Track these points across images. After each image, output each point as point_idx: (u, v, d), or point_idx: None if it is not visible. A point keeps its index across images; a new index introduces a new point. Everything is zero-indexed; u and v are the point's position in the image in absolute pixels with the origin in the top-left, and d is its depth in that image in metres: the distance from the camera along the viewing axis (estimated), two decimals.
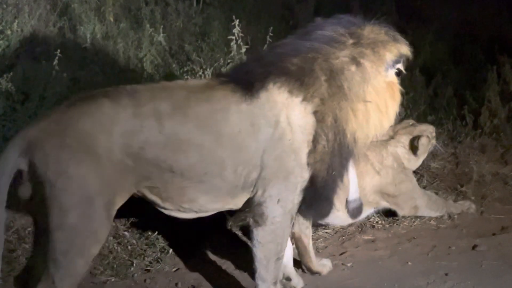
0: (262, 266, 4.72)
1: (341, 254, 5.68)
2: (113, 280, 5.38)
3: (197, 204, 4.57)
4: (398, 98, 4.84)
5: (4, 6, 7.09)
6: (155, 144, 4.33)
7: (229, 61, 6.98)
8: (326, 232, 5.93)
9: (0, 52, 6.79)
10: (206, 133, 4.42)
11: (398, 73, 4.85)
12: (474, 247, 5.70)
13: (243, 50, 6.90)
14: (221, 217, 5.45)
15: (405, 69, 4.92)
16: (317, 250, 5.62)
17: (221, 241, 5.79)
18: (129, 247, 5.66)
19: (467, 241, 5.80)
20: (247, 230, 5.06)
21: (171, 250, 5.64)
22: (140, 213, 5.58)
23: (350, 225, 5.96)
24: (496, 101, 7.40)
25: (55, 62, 6.43)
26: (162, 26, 7.65)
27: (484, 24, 8.85)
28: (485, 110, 7.35)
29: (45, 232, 4.24)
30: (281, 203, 4.61)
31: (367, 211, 5.98)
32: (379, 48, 4.74)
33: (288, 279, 5.19)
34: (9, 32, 6.88)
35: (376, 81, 4.72)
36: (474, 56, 8.48)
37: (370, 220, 6.07)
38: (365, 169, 5.92)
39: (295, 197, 4.65)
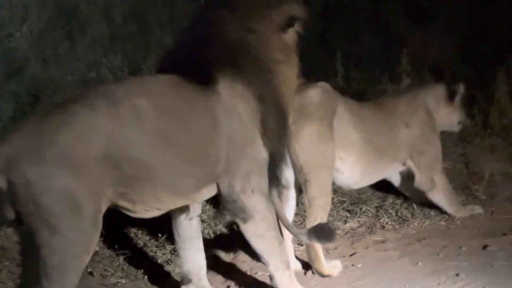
0: (270, 255, 4.70)
1: (351, 255, 5.67)
2: (123, 282, 5.39)
3: (164, 202, 4.47)
4: (294, 58, 4.82)
5: (13, 9, 7.10)
6: (135, 144, 4.21)
7: None
8: (336, 233, 5.90)
9: (10, 54, 6.80)
10: (180, 128, 4.36)
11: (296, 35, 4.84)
12: (484, 247, 5.68)
13: None
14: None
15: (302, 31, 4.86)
16: (327, 251, 5.63)
17: (231, 241, 5.79)
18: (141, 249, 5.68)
19: (478, 242, 5.78)
20: None
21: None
22: None
23: (360, 225, 5.95)
24: (506, 101, 7.40)
25: (64, 64, 6.45)
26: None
27: (493, 23, 8.83)
28: (495, 110, 7.34)
29: (34, 248, 4.09)
30: (255, 191, 4.59)
31: (396, 167, 6.04)
32: (263, 9, 4.69)
33: None
34: (18, 34, 6.90)
35: (272, 40, 4.68)
36: (483, 56, 8.45)
37: (380, 221, 6.07)
38: (393, 122, 5.94)
39: (265, 180, 4.65)
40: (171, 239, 5.68)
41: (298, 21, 4.81)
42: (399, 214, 6.18)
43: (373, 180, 6.03)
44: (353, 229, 5.98)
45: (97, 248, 5.58)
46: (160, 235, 5.76)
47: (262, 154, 4.62)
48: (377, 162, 5.87)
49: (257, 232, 4.64)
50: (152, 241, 5.74)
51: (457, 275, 5.25)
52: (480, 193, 6.51)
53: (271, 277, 4.77)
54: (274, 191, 4.84)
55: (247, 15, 4.65)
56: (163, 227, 5.76)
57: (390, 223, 6.10)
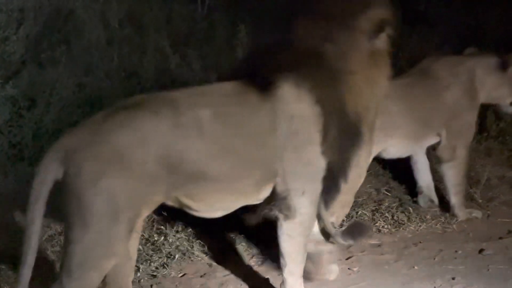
0: (291, 259, 4.77)
1: (347, 259, 5.67)
2: None
3: (226, 203, 4.62)
4: (384, 64, 4.85)
5: (10, 12, 7.09)
6: (195, 152, 4.32)
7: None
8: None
9: (6, 58, 6.80)
10: (240, 137, 4.45)
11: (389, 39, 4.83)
12: (480, 251, 5.70)
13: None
14: (226, 221, 5.45)
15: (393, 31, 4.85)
16: None
17: (227, 246, 5.80)
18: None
19: (474, 245, 5.80)
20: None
21: (177, 256, 5.63)
22: (145, 218, 5.60)
23: None
24: None
25: (61, 68, 6.44)
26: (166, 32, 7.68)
27: (490, 26, 8.84)
28: (491, 113, 7.34)
29: (65, 241, 4.21)
30: (306, 194, 4.67)
31: (430, 138, 6.16)
32: (347, 19, 4.68)
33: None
34: (14, 38, 6.89)
35: (353, 52, 4.69)
36: None
37: (376, 224, 6.07)
38: (435, 86, 6.08)
39: (318, 187, 4.71)
40: (168, 243, 5.71)
41: (388, 24, 4.80)
42: (395, 217, 6.18)
43: (413, 152, 6.25)
44: None
45: None
46: (156, 238, 5.75)
47: (319, 161, 4.66)
48: (421, 130, 6.07)
49: (291, 232, 4.73)
50: (148, 245, 5.72)
51: (453, 278, 5.28)
52: (477, 197, 6.51)
53: (283, 281, 4.83)
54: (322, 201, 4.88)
55: (330, 25, 4.66)
56: (159, 231, 5.78)
57: (386, 226, 6.10)
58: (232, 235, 5.89)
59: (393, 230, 6.08)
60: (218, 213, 4.68)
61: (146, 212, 4.39)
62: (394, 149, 6.13)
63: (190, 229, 5.83)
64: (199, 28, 8.22)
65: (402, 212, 6.22)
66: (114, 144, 4.15)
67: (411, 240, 5.93)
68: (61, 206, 4.20)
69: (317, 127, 4.60)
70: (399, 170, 6.76)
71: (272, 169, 4.58)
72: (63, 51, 6.94)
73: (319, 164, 4.66)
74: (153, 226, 5.88)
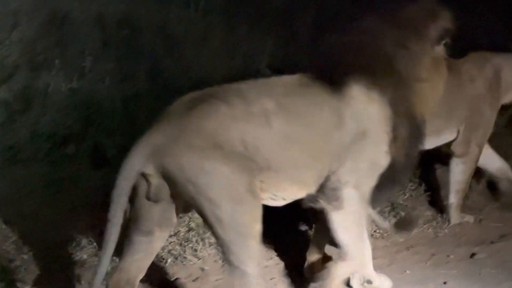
0: (350, 246, 4.89)
1: None
2: None
3: (288, 192, 4.77)
4: (443, 71, 5.13)
5: (3, 15, 7.10)
6: (265, 141, 4.52)
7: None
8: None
9: (0, 61, 6.81)
10: (304, 128, 4.63)
11: (447, 45, 5.11)
12: (472, 255, 5.72)
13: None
14: None
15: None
16: None
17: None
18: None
19: (466, 249, 5.83)
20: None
21: (169, 260, 5.67)
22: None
23: None
24: None
25: (55, 71, 6.44)
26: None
27: (485, 32, 8.82)
28: None
29: (208, 225, 4.51)
30: (358, 188, 4.81)
31: (450, 132, 6.22)
32: (420, 27, 4.94)
33: (369, 282, 5.19)
34: (8, 41, 6.90)
35: (423, 59, 4.94)
36: None
37: (369, 229, 6.06)
38: (459, 81, 6.12)
39: (372, 183, 4.86)
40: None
41: (449, 33, 5.05)
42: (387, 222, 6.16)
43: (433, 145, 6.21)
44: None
45: (85, 256, 5.60)
46: None
47: (381, 160, 4.84)
48: (442, 124, 6.11)
49: (343, 223, 4.85)
50: None
51: (445, 283, 5.30)
52: (469, 201, 6.51)
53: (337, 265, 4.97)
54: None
55: (405, 34, 4.90)
56: None
57: (378, 231, 6.10)
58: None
59: (385, 234, 6.09)
60: (280, 203, 4.84)
61: (257, 185, 4.56)
62: None
63: (183, 233, 5.84)
64: (194, 31, 8.22)
65: (394, 216, 6.23)
66: (204, 132, 4.41)
67: (403, 244, 5.94)
68: (151, 198, 4.47)
69: (386, 128, 4.80)
70: None
71: (332, 163, 4.74)
72: (58, 54, 6.94)
73: (381, 163, 4.85)
74: None
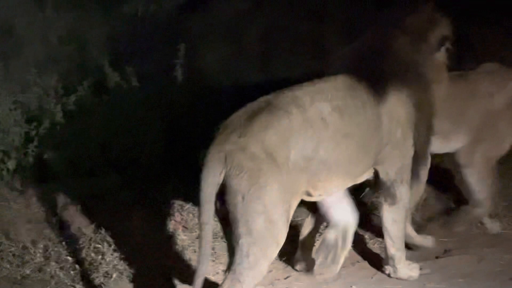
0: (397, 238, 5.57)
1: (285, 278, 5.69)
2: None
3: (337, 186, 5.24)
4: (445, 76, 5.69)
5: None
6: (323, 143, 4.92)
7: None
8: None
9: None
10: (355, 125, 5.10)
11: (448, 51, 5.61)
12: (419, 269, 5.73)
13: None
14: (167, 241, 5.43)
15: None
16: None
17: (166, 264, 5.78)
18: (72, 272, 5.59)
19: None
20: None
21: (114, 275, 5.57)
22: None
23: (296, 248, 5.94)
24: None
25: None
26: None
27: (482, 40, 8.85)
28: None
29: (235, 234, 4.70)
30: (403, 182, 5.49)
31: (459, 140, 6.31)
32: (425, 34, 5.48)
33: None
34: None
35: (430, 64, 5.51)
36: None
37: (315, 245, 6.06)
38: (477, 90, 6.23)
39: (410, 174, 5.53)
40: (105, 262, 5.65)
41: (449, 40, 5.56)
42: None
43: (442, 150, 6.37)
44: (288, 252, 5.95)
45: (27, 271, 5.52)
46: (93, 257, 5.71)
47: (411, 152, 5.49)
48: (449, 127, 6.23)
49: (395, 216, 5.52)
50: (85, 264, 5.66)
51: None
52: (416, 217, 6.54)
53: (391, 257, 5.57)
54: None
55: (414, 37, 5.45)
56: (96, 249, 5.72)
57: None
58: (172, 253, 5.88)
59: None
60: (323, 197, 5.33)
61: (295, 203, 4.95)
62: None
63: (128, 248, 5.78)
64: (139, 47, 8.18)
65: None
66: (264, 144, 4.73)
67: (349, 259, 5.91)
68: (225, 203, 4.72)
69: (411, 126, 5.42)
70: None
71: (375, 158, 5.32)
72: (1, 68, 6.85)
73: (411, 155, 5.49)
74: (90, 244, 5.82)
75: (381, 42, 5.45)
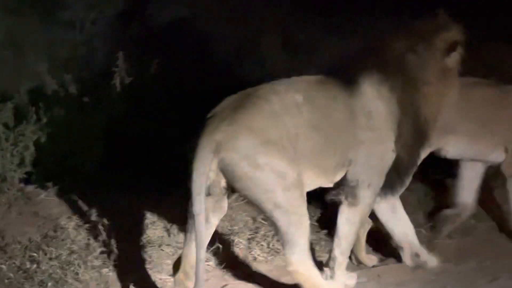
0: (346, 241, 5.49)
1: (223, 287, 5.67)
2: None
3: (310, 179, 5.20)
4: (453, 81, 5.59)
5: None
6: (300, 129, 5.06)
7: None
8: (208, 265, 5.88)
9: None
10: (325, 118, 5.17)
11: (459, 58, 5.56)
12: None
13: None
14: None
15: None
16: None
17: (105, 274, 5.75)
18: (6, 281, 5.52)
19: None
20: None
21: (50, 284, 5.50)
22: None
23: (232, 257, 5.95)
24: None
25: None
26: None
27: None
28: None
29: (265, 214, 5.06)
30: (371, 187, 5.39)
31: (494, 150, 6.42)
32: (432, 37, 5.45)
33: (417, 255, 5.91)
34: None
35: (434, 67, 5.44)
36: None
37: (252, 253, 6.08)
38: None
39: (381, 181, 5.45)
40: (40, 271, 5.60)
41: (460, 45, 5.51)
42: (271, 246, 6.18)
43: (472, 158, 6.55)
44: (227, 260, 5.96)
45: None
46: (28, 266, 5.64)
47: (389, 156, 5.41)
48: (481, 132, 6.37)
49: (351, 218, 5.45)
50: (20, 272, 5.59)
51: None
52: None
53: (333, 259, 5.51)
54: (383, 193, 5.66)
55: (415, 39, 5.43)
56: (31, 258, 5.68)
57: (262, 255, 6.10)
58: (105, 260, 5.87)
59: (269, 258, 6.08)
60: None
61: (305, 182, 5.11)
62: (452, 149, 6.39)
63: (64, 256, 5.73)
64: (78, 54, 8.14)
65: (278, 240, 6.20)
66: (254, 129, 4.92)
67: (284, 268, 5.90)
68: (237, 190, 5.01)
69: (392, 125, 5.37)
70: None
71: (347, 156, 5.29)
72: None
73: (388, 160, 5.41)
74: (25, 253, 5.76)
75: (379, 42, 5.59)
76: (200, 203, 4.79)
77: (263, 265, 6.02)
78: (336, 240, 5.50)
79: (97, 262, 5.79)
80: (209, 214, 5.02)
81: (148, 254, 5.94)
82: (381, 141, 5.35)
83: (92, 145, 6.91)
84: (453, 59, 5.52)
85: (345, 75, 5.35)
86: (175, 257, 5.52)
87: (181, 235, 6.02)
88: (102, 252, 5.90)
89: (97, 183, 6.74)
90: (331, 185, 5.44)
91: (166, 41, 8.31)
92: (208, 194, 4.92)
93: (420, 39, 5.44)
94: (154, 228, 6.17)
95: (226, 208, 5.18)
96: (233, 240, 6.19)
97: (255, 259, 6.07)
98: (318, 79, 5.35)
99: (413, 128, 5.43)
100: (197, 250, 4.83)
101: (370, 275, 5.85)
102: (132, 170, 6.86)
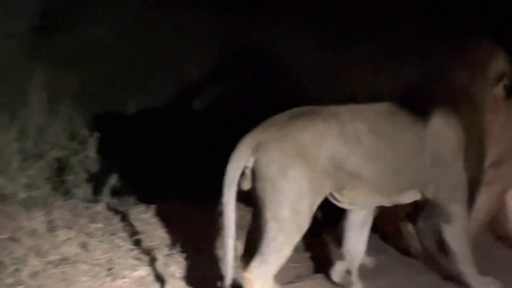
0: (463, 255, 5.84)
1: None
2: None
3: (368, 200, 5.69)
4: (502, 111, 6.07)
5: None
6: (354, 157, 5.37)
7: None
8: (124, 282, 5.86)
9: None
10: (390, 148, 5.51)
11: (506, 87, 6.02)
12: None
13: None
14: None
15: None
16: None
17: None
18: None
19: None
20: None
21: None
22: None
23: (149, 274, 5.91)
24: None
25: None
26: None
27: None
28: None
29: (262, 218, 5.23)
30: (458, 202, 5.77)
31: None
32: (485, 69, 5.90)
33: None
34: None
35: (486, 95, 5.90)
36: None
37: (169, 269, 6.01)
38: None
39: (465, 194, 5.80)
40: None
41: (507, 76, 5.95)
42: (188, 262, 6.14)
43: None
44: (142, 278, 5.91)
45: None
46: None
47: (462, 173, 5.75)
48: None
49: (455, 234, 5.83)
50: None
51: None
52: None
53: (462, 273, 5.87)
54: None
55: (473, 69, 5.84)
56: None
57: (179, 271, 6.05)
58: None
59: (186, 274, 6.03)
60: (358, 207, 5.78)
61: (318, 201, 5.36)
62: None
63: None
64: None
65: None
66: (298, 141, 5.22)
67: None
68: (253, 189, 5.25)
69: (462, 149, 5.72)
70: None
71: (417, 179, 5.66)
72: None
73: (463, 177, 5.75)
74: None
75: (438, 73, 5.90)
76: (229, 194, 5.16)
77: (180, 281, 5.98)
78: (453, 258, 5.88)
79: (10, 280, 5.70)
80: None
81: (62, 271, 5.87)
82: (454, 161, 5.71)
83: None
84: (500, 88, 5.95)
85: (414, 106, 5.68)
86: (92, 274, 5.50)
87: (99, 251, 5.99)
88: (16, 270, 5.82)
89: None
90: (390, 205, 5.79)
91: (90, 55, 8.28)
92: (243, 189, 5.28)
93: (477, 69, 5.85)
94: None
95: None
96: (153, 257, 6.14)
97: (172, 275, 6.02)
98: (388, 111, 5.65)
99: (478, 152, 5.83)
100: (225, 239, 5.21)
101: None
102: None
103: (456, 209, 5.77)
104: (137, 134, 7.87)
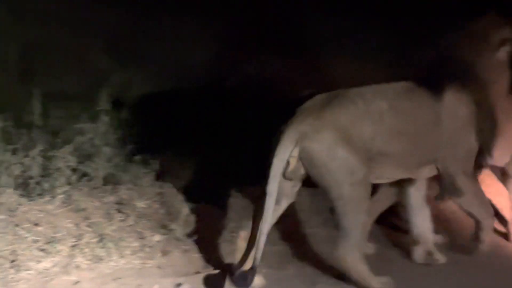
0: (482, 217, 6.40)
1: None
2: None
3: (393, 174, 6.16)
4: (505, 74, 6.37)
5: None
6: (379, 135, 5.87)
7: None
8: (29, 274, 5.77)
9: None
10: (409, 123, 6.00)
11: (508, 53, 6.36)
12: (178, 285, 5.80)
13: None
14: None
15: None
16: None
17: None
18: None
19: (172, 280, 5.89)
20: None
21: None
22: None
23: (54, 265, 5.85)
24: None
25: None
26: None
27: None
28: None
29: (331, 200, 5.82)
30: (465, 173, 6.22)
31: None
32: (487, 36, 6.28)
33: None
34: None
35: (490, 64, 6.34)
36: None
37: (75, 260, 5.97)
38: None
39: (472, 166, 6.27)
40: None
41: (509, 42, 6.29)
42: (94, 253, 6.09)
43: None
44: (46, 269, 5.82)
45: None
46: None
47: (473, 146, 6.23)
48: None
49: (470, 204, 6.33)
50: None
51: None
52: (177, 233, 6.61)
53: (481, 228, 6.42)
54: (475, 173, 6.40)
55: (475, 42, 6.29)
56: None
57: (85, 262, 5.99)
58: None
59: (92, 265, 5.99)
60: (384, 180, 6.27)
61: (369, 172, 5.86)
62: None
63: None
64: None
65: (102, 247, 6.15)
66: (336, 126, 5.75)
67: (110, 276, 5.89)
68: (312, 176, 5.82)
69: (474, 122, 6.16)
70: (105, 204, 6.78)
71: (432, 153, 6.15)
72: None
73: (474, 149, 6.24)
74: None
75: (446, 48, 6.36)
76: (273, 184, 5.57)
77: (86, 272, 5.92)
78: (477, 219, 6.39)
79: None
80: (282, 198, 5.82)
81: None
82: (466, 136, 6.17)
83: None
84: (503, 54, 6.29)
85: (428, 84, 6.12)
86: None
87: (2, 243, 5.89)
88: None
89: None
90: (413, 178, 6.31)
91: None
92: (289, 179, 5.76)
93: (480, 39, 6.27)
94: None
95: (296, 196, 6.00)
96: (55, 248, 6.03)
97: (78, 266, 5.95)
98: (404, 88, 6.11)
99: (488, 119, 6.20)
100: (261, 224, 5.55)
101: (194, 281, 5.90)
102: None
103: (463, 179, 6.18)
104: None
